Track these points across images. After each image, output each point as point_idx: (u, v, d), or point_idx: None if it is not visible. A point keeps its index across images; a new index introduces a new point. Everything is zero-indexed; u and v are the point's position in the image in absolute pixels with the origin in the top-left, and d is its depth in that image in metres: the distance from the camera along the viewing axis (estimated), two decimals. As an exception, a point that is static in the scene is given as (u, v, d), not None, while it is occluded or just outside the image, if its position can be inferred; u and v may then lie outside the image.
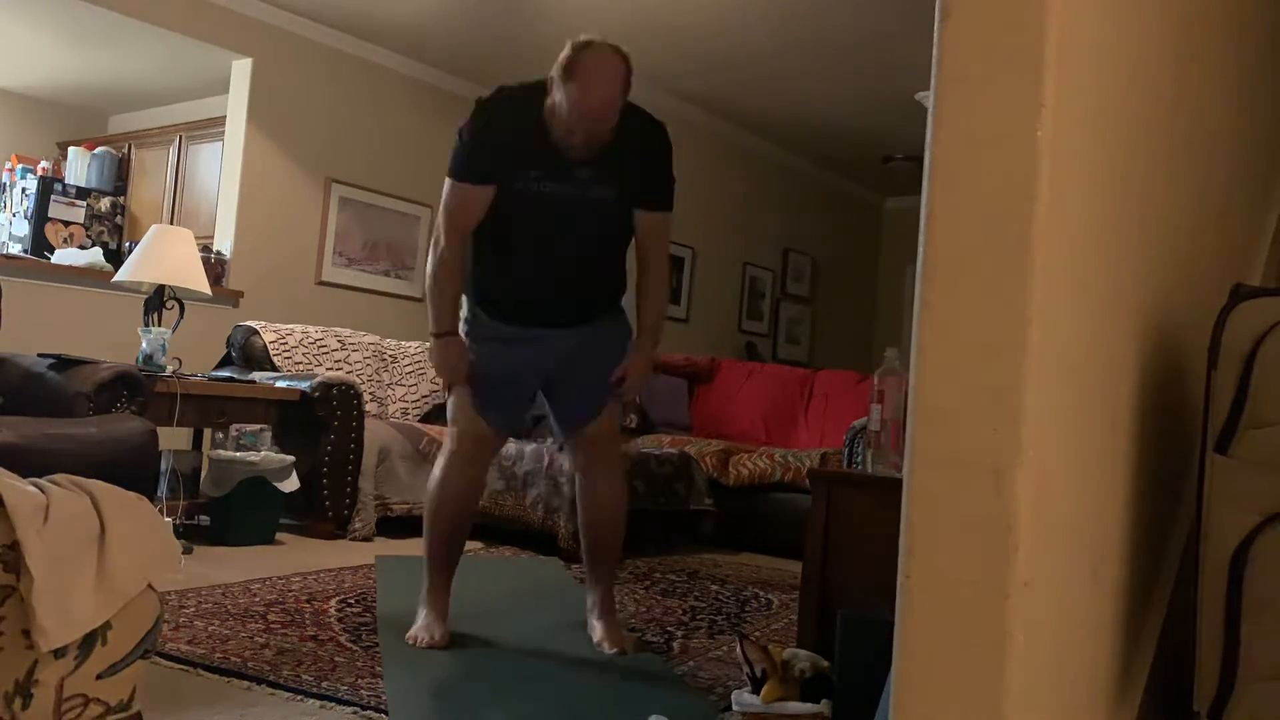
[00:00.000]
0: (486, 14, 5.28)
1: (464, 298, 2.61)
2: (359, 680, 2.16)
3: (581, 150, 2.40)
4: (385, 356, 5.07)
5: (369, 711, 1.97)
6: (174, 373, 3.73)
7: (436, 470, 2.61)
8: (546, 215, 2.46)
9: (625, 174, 2.47)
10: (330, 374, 4.43)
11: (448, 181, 2.48)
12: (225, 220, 5.43)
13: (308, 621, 2.63)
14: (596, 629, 2.64)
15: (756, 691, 2.02)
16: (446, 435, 2.64)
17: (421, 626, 2.53)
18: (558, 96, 2.36)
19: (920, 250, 1.04)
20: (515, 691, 2.20)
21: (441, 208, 2.51)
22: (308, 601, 2.86)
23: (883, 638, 1.10)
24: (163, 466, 3.61)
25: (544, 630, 2.79)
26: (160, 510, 3.29)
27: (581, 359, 2.59)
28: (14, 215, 5.88)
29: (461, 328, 2.59)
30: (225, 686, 2.05)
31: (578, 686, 2.29)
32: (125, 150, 6.47)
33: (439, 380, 2.54)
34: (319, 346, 4.78)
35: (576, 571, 3.74)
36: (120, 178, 6.36)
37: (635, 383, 2.62)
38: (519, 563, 3.93)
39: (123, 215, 6.14)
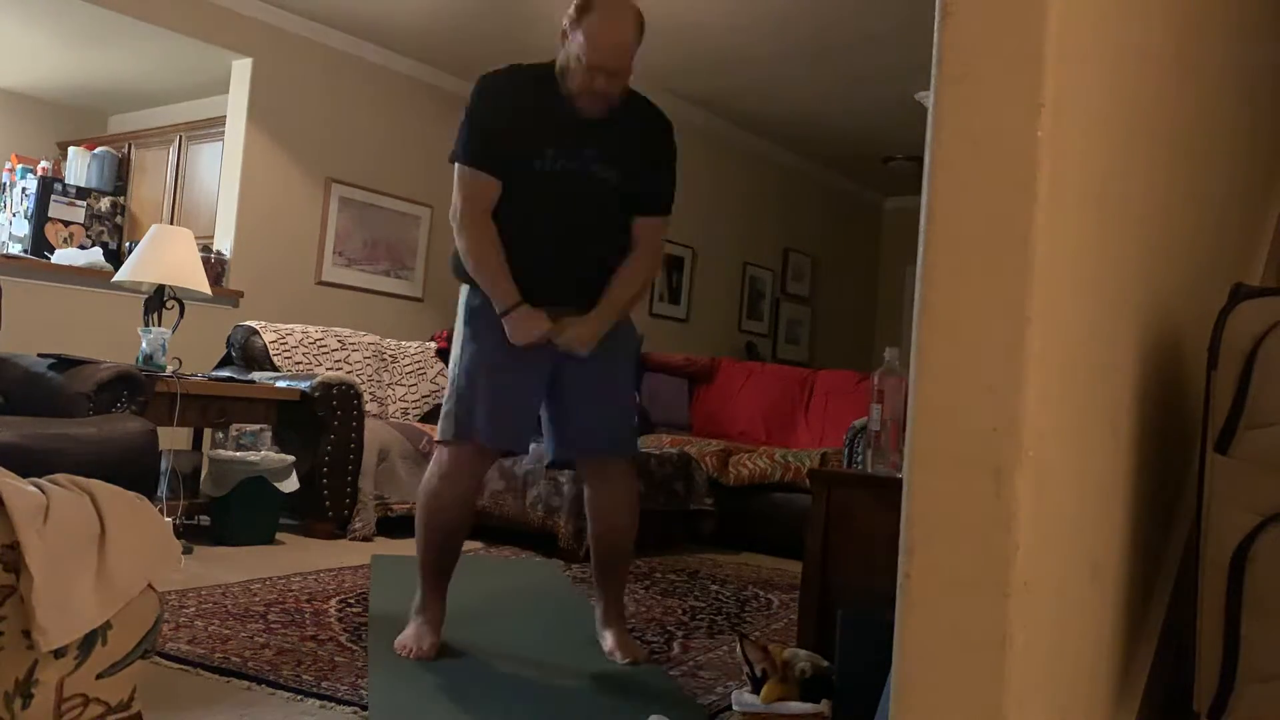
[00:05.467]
0: (486, 14, 5.28)
1: (465, 288, 2.52)
2: (359, 680, 2.16)
3: (594, 103, 2.36)
4: (385, 356, 5.07)
5: (369, 712, 1.97)
6: (174, 373, 3.73)
7: (428, 479, 2.49)
8: (554, 193, 2.40)
9: (628, 158, 2.44)
10: (330, 374, 4.43)
11: (458, 167, 2.41)
12: (225, 220, 5.43)
13: (308, 621, 2.63)
14: (607, 638, 2.54)
15: (756, 691, 2.02)
16: (437, 454, 2.51)
17: (411, 635, 2.40)
18: (571, 47, 2.34)
19: (920, 250, 1.04)
20: (507, 695, 2.20)
21: (457, 193, 2.41)
22: (308, 601, 2.86)
23: (883, 638, 1.10)
24: (163, 466, 3.61)
25: (541, 632, 2.79)
26: (160, 510, 3.29)
27: (589, 372, 2.47)
28: (14, 215, 5.88)
29: (461, 319, 2.51)
30: (225, 686, 2.05)
31: (572, 689, 2.28)
32: (125, 150, 6.47)
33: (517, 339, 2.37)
34: (319, 346, 4.78)
35: (576, 572, 3.74)
36: (120, 178, 6.36)
37: (569, 340, 2.41)
38: (518, 563, 3.93)
39: (123, 215, 6.14)
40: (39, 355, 3.22)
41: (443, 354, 5.02)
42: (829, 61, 5.58)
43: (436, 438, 2.53)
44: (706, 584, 3.69)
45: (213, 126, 5.88)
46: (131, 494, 1.62)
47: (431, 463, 2.52)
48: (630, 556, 2.64)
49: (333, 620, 2.67)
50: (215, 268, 5.15)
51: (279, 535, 3.93)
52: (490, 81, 2.43)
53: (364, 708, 1.98)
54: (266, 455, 3.85)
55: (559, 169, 2.39)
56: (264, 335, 4.62)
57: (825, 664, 2.02)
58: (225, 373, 4.33)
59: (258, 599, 2.84)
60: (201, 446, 4.18)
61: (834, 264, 8.11)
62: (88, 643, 1.47)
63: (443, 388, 2.95)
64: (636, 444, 2.75)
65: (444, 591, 2.50)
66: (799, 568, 2.53)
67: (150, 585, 1.57)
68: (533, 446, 4.17)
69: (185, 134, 6.18)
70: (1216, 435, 1.37)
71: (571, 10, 2.35)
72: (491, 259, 2.40)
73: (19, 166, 5.97)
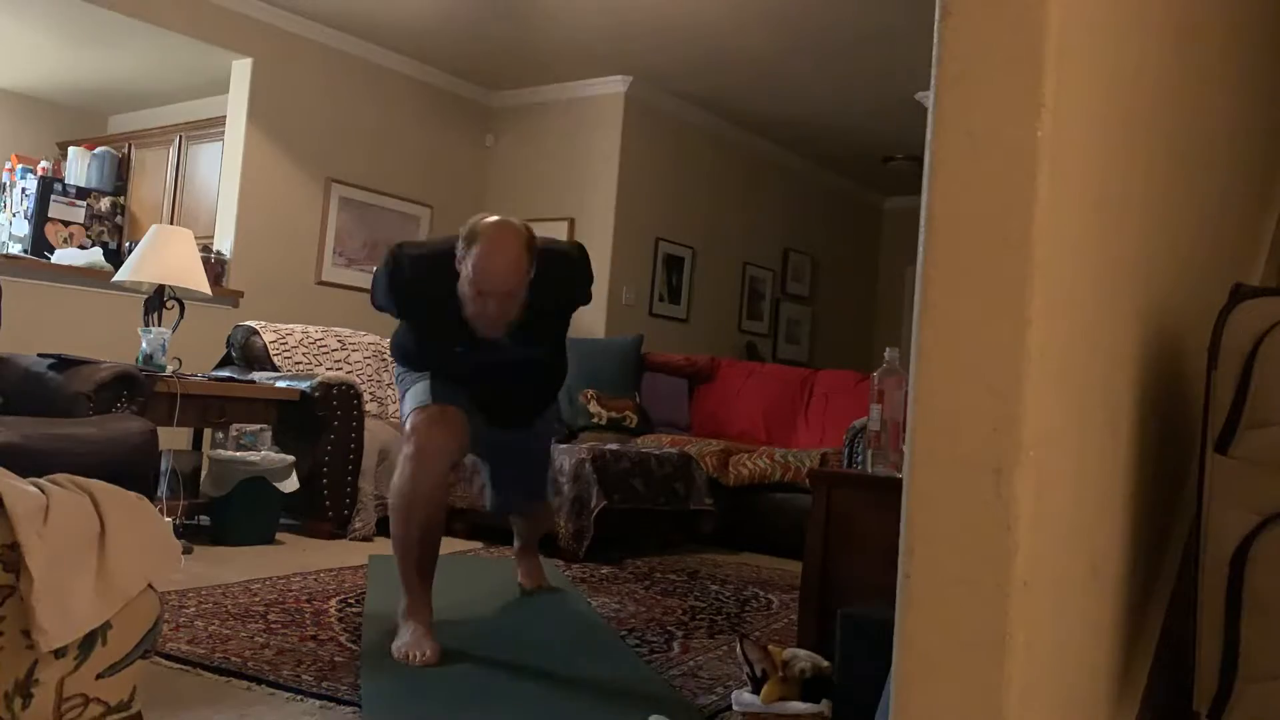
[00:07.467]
0: (486, 14, 5.28)
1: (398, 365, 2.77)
2: (359, 680, 2.16)
3: (490, 329, 2.44)
4: (385, 356, 5.06)
5: (363, 713, 1.96)
6: (174, 373, 3.73)
7: (399, 476, 2.49)
8: (477, 371, 2.64)
9: (547, 327, 2.66)
10: (330, 374, 4.43)
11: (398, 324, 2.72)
12: (225, 220, 5.43)
13: (308, 621, 2.63)
14: (519, 570, 3.25)
15: (756, 691, 2.02)
16: (406, 438, 2.55)
17: (410, 644, 2.33)
18: (463, 274, 2.38)
19: (920, 250, 1.04)
20: (504, 695, 2.19)
21: (395, 347, 2.76)
22: (308, 601, 2.86)
23: (883, 638, 1.10)
24: (163, 466, 3.61)
25: (539, 632, 2.79)
26: (160, 510, 3.29)
27: (520, 451, 2.98)
28: (14, 215, 5.88)
29: (401, 386, 2.72)
30: (225, 686, 2.05)
31: (570, 690, 2.28)
32: (125, 150, 6.47)
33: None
34: (319, 346, 4.78)
35: (576, 572, 3.75)
36: (120, 178, 6.36)
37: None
38: (519, 563, 3.93)
39: (123, 215, 6.14)
40: (39, 355, 3.22)
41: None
42: (829, 61, 5.58)
43: (406, 427, 2.58)
44: (706, 584, 3.69)
45: (213, 126, 5.88)
46: (131, 494, 1.62)
47: (401, 460, 2.53)
48: (547, 525, 3.51)
49: (333, 620, 2.67)
50: (215, 268, 5.15)
51: (279, 535, 3.93)
52: (394, 260, 2.50)
53: (363, 707, 1.98)
54: (266, 455, 3.85)
55: (473, 360, 2.59)
56: (264, 335, 4.62)
57: (825, 664, 2.02)
58: (225, 373, 4.33)
59: (258, 599, 2.84)
60: (201, 446, 4.18)
61: (834, 264, 8.11)
62: (88, 643, 1.47)
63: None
64: (550, 489, 3.62)
65: (429, 593, 2.50)
66: (799, 568, 2.53)
67: (150, 585, 1.57)
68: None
69: (185, 134, 6.18)
70: (1216, 435, 1.37)
71: (461, 241, 2.40)
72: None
73: (19, 166, 5.97)
